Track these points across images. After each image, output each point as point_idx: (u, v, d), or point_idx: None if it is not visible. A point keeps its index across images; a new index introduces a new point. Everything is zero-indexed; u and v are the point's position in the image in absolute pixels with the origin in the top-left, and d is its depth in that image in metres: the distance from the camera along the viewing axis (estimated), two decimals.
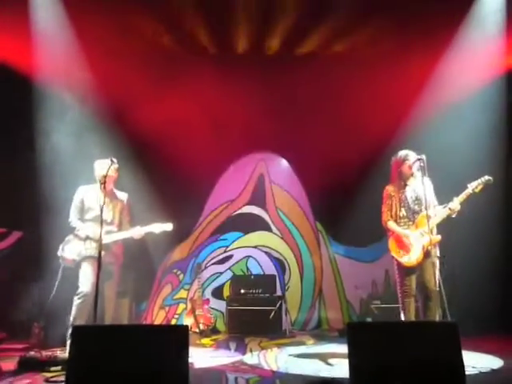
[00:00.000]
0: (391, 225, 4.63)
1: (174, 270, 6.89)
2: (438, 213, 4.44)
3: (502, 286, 5.93)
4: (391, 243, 4.63)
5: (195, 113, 6.59)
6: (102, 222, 4.11)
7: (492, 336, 5.24)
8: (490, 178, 4.36)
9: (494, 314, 5.66)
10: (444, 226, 4.47)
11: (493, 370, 3.72)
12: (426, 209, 4.28)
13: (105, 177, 4.28)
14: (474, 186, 4.34)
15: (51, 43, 5.67)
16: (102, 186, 4.27)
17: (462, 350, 3.05)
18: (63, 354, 4.04)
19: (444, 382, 2.76)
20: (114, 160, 4.44)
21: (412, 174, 4.60)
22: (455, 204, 4.36)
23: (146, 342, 2.72)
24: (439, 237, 4.43)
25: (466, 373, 2.99)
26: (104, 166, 4.43)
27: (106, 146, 5.64)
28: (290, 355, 4.67)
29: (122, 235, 4.72)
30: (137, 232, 4.70)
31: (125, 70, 5.97)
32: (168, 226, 4.74)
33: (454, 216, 4.40)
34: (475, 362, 3.88)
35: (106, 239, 4.52)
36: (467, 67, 6.00)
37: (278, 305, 6.10)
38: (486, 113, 6.00)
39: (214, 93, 6.54)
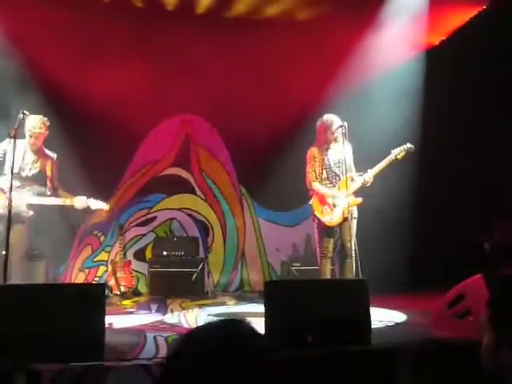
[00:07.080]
0: (316, 185, 4.77)
1: (95, 232, 6.69)
2: (355, 180, 4.66)
3: (412, 247, 6.30)
4: (315, 203, 4.77)
5: (125, 73, 6.31)
6: (11, 176, 3.92)
7: (401, 294, 5.59)
8: (412, 145, 4.65)
9: (404, 273, 6.03)
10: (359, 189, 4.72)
11: (397, 324, 4.01)
12: (346, 172, 4.49)
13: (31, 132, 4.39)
14: (397, 152, 4.62)
15: None
16: (31, 139, 4.42)
17: (372, 306, 3.26)
18: None
19: (350, 335, 2.95)
20: (45, 118, 4.49)
21: (335, 139, 4.75)
22: (369, 175, 4.61)
23: (59, 301, 2.66)
24: (360, 199, 4.67)
25: (373, 326, 3.21)
26: (33, 122, 4.41)
27: (33, 103, 5.32)
28: (209, 314, 4.76)
29: (61, 201, 4.57)
30: (80, 202, 4.56)
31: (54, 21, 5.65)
32: (106, 206, 4.79)
33: (367, 185, 4.65)
34: (382, 316, 4.15)
35: (42, 201, 4.46)
36: (390, 40, 6.19)
37: (200, 267, 6.13)
38: (403, 92, 6.26)
39: (141, 54, 6.30)
